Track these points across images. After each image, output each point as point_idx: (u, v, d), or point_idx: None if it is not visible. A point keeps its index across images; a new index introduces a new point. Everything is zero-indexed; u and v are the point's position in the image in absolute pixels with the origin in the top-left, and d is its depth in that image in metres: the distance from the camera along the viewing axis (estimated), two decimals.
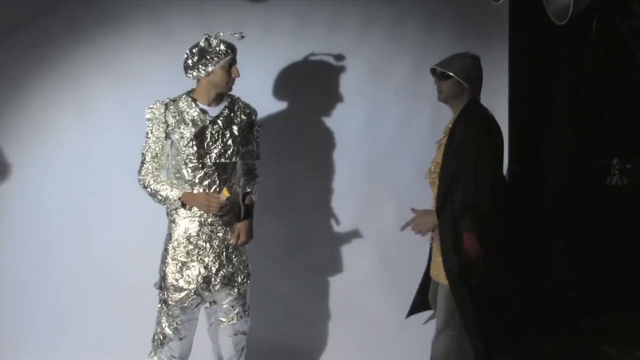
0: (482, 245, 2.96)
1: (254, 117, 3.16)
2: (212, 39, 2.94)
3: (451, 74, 3.08)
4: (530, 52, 4.33)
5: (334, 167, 3.94)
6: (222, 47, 2.94)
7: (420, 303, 3.43)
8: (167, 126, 2.96)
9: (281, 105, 3.85)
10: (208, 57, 2.92)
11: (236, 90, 3.12)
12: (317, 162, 3.93)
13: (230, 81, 3.00)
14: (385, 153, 3.54)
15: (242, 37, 3.00)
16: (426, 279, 3.38)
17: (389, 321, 3.83)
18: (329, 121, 3.90)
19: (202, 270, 3.02)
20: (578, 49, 4.29)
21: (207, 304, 3.15)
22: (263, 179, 3.31)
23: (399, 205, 3.40)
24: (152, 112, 2.97)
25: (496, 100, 4.02)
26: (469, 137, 2.99)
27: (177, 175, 3.01)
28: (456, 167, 3.00)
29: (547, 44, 4.35)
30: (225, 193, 2.94)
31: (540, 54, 4.39)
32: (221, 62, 2.93)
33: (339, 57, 3.85)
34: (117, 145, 3.61)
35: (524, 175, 4.34)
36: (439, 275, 3.15)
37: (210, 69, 2.93)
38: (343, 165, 3.92)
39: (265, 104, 3.78)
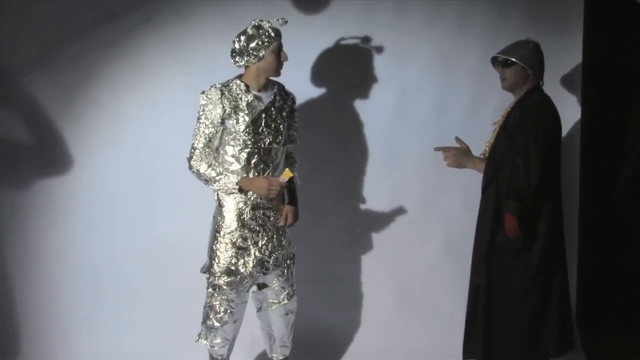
0: (521, 229, 2.99)
1: (295, 102, 3.22)
2: (262, 23, 2.98)
3: (514, 59, 3.10)
4: (607, 38, 4.14)
5: (401, 154, 3.92)
6: (271, 31, 2.97)
7: None
8: (224, 111, 2.99)
9: (348, 92, 3.85)
10: (259, 41, 2.95)
11: (301, 75, 3.12)
12: (384, 149, 3.92)
13: (280, 65, 3.03)
14: (453, 140, 3.47)
15: (285, 22, 3.02)
16: None
17: (454, 311, 3.75)
18: (396, 108, 3.88)
19: (258, 254, 3.09)
20: None
21: (255, 288, 3.22)
22: (329, 166, 3.28)
23: (466, 192, 3.34)
24: (207, 97, 3.00)
25: (569, 89, 3.91)
26: (524, 122, 3.03)
27: (231, 160, 3.05)
28: (507, 150, 3.04)
29: (626, 30, 4.15)
30: (288, 173, 2.97)
31: (618, 40, 4.19)
32: (271, 46, 2.96)
33: (407, 43, 3.82)
34: (184, 132, 3.68)
35: (596, 167, 4.18)
36: None
37: (261, 53, 2.96)
38: (410, 152, 3.90)
39: (332, 89, 3.79)
